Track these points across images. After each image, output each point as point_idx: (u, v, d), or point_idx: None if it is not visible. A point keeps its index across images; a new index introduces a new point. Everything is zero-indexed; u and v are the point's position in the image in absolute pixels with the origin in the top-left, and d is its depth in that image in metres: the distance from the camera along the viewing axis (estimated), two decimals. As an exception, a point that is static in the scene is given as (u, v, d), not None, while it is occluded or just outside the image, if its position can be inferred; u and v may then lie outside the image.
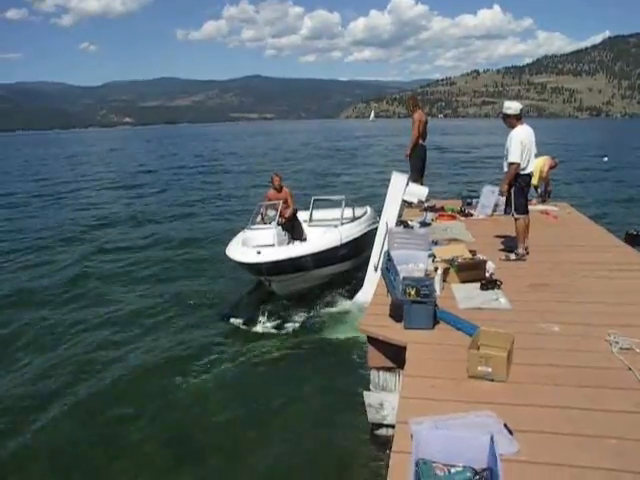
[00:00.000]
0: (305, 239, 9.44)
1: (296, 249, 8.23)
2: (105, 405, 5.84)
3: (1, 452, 5.04)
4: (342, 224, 8.92)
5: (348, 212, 9.49)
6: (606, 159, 32.02)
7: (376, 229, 8.36)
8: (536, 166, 8.81)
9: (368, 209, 10.11)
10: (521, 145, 6.20)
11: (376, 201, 11.46)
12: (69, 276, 10.70)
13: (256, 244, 8.45)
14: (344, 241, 8.54)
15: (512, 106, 6.39)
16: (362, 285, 8.16)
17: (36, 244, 13.63)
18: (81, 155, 55.23)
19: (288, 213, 9.20)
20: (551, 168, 10.25)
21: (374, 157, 39.47)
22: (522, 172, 6.33)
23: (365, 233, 9.04)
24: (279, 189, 9.35)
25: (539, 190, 10.37)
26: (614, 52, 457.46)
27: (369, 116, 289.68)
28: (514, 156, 6.20)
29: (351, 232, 8.84)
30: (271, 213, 9.02)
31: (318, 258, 8.20)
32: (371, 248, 8.12)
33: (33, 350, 7.32)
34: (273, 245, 8.34)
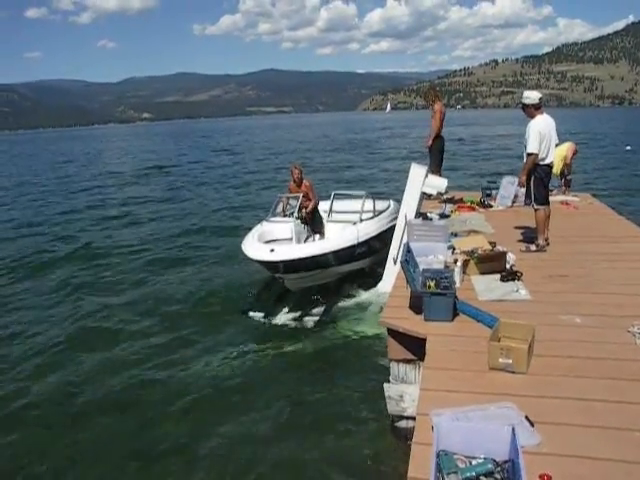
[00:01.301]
0: (324, 233, 9.42)
1: (310, 248, 8.11)
2: (122, 394, 5.95)
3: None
4: (361, 221, 8.68)
5: (369, 207, 9.14)
6: (629, 148, 31.45)
7: None
8: (559, 153, 8.68)
9: (391, 203, 9.80)
10: (539, 135, 6.12)
11: (394, 193, 11.42)
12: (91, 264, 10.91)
13: (274, 238, 8.42)
14: (362, 239, 8.37)
15: (531, 96, 6.32)
16: (382, 278, 8.17)
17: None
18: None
19: (309, 207, 9.09)
20: (573, 154, 10.10)
21: (391, 149, 39.27)
22: (541, 162, 6.26)
23: (385, 230, 8.82)
24: (299, 182, 9.21)
25: (563, 179, 10.21)
26: (637, 38, 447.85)
27: (385, 108, 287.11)
28: (532, 147, 6.15)
29: (370, 229, 8.65)
30: (293, 203, 8.97)
31: (333, 256, 8.09)
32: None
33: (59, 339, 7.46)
34: (291, 239, 8.32)
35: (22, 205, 20.49)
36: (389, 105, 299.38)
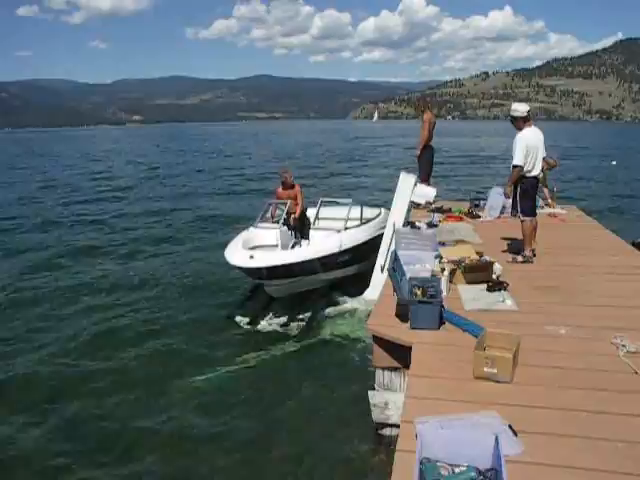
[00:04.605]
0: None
1: (289, 254, 8.07)
2: (107, 401, 5.87)
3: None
4: (346, 229, 8.66)
5: (355, 215, 9.19)
6: (614, 163, 31.92)
7: None
8: None
9: (382, 211, 9.67)
10: (526, 148, 6.18)
11: (382, 200, 11.44)
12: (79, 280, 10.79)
13: (259, 244, 8.36)
14: (345, 247, 8.33)
15: (519, 108, 6.38)
16: (369, 285, 8.17)
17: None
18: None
19: (297, 211, 9.07)
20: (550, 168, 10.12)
21: (381, 158, 39.42)
22: (528, 174, 6.32)
23: (373, 238, 8.78)
24: (289, 186, 9.21)
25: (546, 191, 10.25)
26: (625, 55, 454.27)
27: (373, 117, 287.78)
28: (517, 159, 6.20)
29: (355, 237, 8.61)
30: (281, 211, 8.98)
31: (314, 264, 8.05)
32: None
33: (47, 342, 7.42)
34: (276, 245, 8.27)
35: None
36: (376, 114, 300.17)
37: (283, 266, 7.69)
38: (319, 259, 8.07)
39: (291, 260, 7.83)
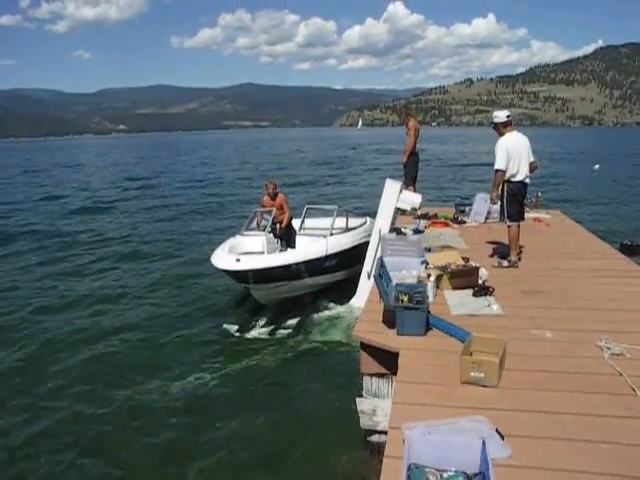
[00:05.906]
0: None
1: (276, 258, 8.09)
2: (97, 411, 5.80)
3: None
4: (332, 234, 8.75)
5: (341, 221, 9.26)
6: (597, 167, 32.35)
7: None
8: None
9: (368, 220, 9.78)
10: (507, 153, 6.23)
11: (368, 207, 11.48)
12: (67, 287, 10.67)
13: (245, 251, 8.37)
14: (331, 252, 8.39)
15: (499, 114, 6.50)
16: (355, 292, 8.18)
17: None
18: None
19: (284, 220, 9.07)
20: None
21: (366, 165, 39.55)
22: (513, 179, 6.37)
23: (359, 244, 8.84)
24: (274, 196, 9.21)
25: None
26: (606, 62, 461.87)
27: (357, 125, 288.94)
28: (498, 163, 6.27)
29: (341, 243, 8.67)
30: (268, 218, 8.97)
31: (301, 267, 8.08)
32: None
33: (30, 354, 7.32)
34: (262, 252, 8.29)
35: None
36: (360, 122, 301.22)
37: (269, 269, 7.71)
38: (305, 263, 8.10)
39: (277, 263, 7.86)
